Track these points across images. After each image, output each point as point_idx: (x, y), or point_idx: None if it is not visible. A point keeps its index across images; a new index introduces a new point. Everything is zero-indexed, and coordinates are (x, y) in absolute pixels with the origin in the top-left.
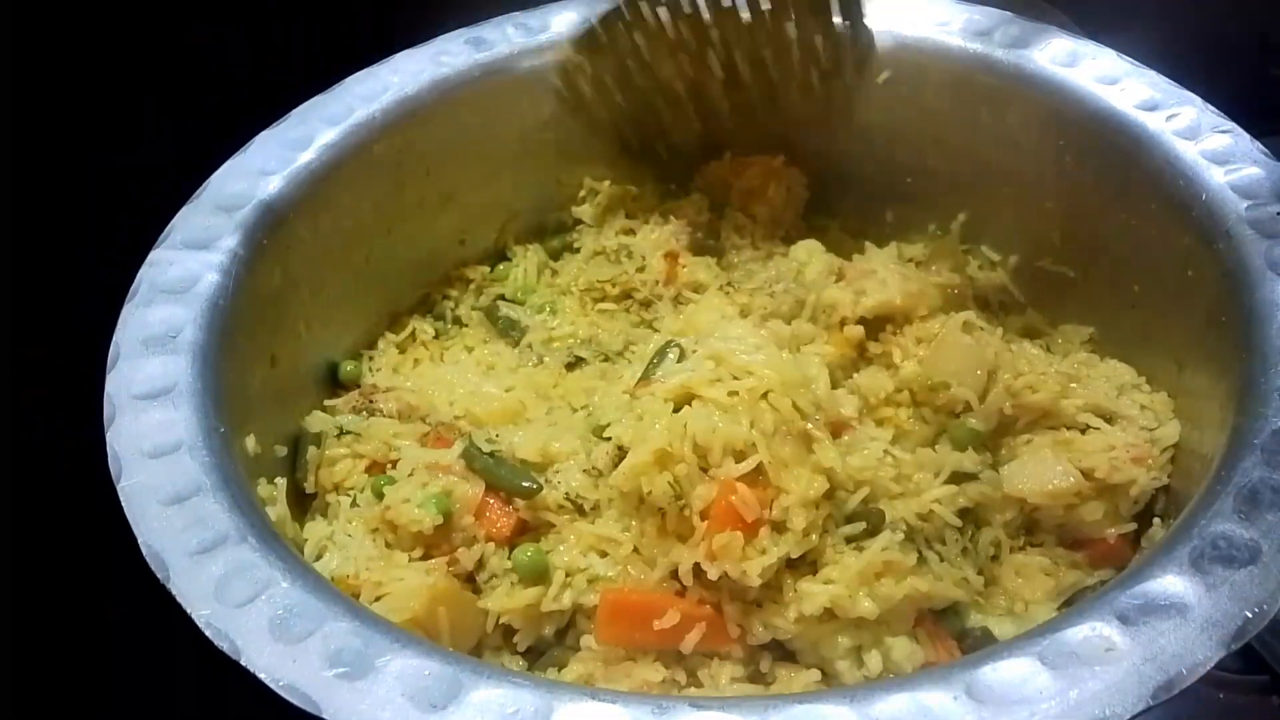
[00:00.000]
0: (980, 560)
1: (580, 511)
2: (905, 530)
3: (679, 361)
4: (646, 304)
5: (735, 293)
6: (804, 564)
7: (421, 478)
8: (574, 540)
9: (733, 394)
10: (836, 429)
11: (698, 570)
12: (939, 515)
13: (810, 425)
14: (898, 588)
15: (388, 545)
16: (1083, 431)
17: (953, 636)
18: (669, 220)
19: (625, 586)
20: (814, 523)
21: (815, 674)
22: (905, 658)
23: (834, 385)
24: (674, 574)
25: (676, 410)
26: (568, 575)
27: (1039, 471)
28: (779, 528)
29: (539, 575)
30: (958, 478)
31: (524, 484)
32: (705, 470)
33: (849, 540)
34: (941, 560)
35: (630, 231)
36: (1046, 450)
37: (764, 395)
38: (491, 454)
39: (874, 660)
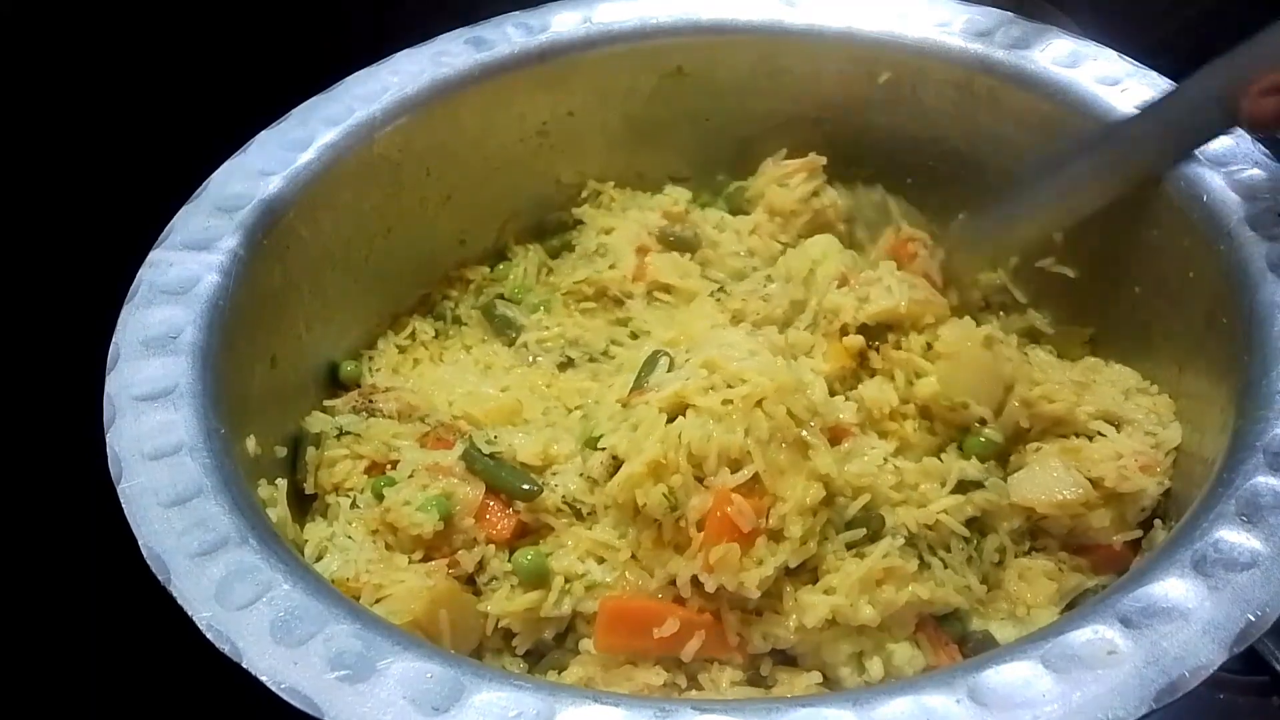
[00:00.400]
0: (984, 567)
1: (578, 516)
2: (907, 536)
3: (669, 370)
4: (619, 301)
5: (727, 298)
6: (804, 571)
7: (421, 480)
8: (571, 545)
9: (727, 402)
10: (836, 435)
11: (696, 580)
12: (945, 524)
13: (806, 432)
14: (899, 594)
15: (388, 547)
16: (1090, 438)
17: (954, 641)
18: (646, 215)
19: (624, 594)
20: (811, 530)
21: (816, 676)
22: (906, 662)
23: (831, 393)
24: (672, 583)
25: (671, 420)
26: (567, 581)
27: (1048, 482)
28: (776, 536)
29: (539, 579)
30: (964, 486)
31: (524, 486)
32: (701, 480)
33: (849, 547)
34: (945, 567)
35: (610, 230)
36: (1055, 460)
37: (759, 402)
38: (491, 456)
39: (875, 666)
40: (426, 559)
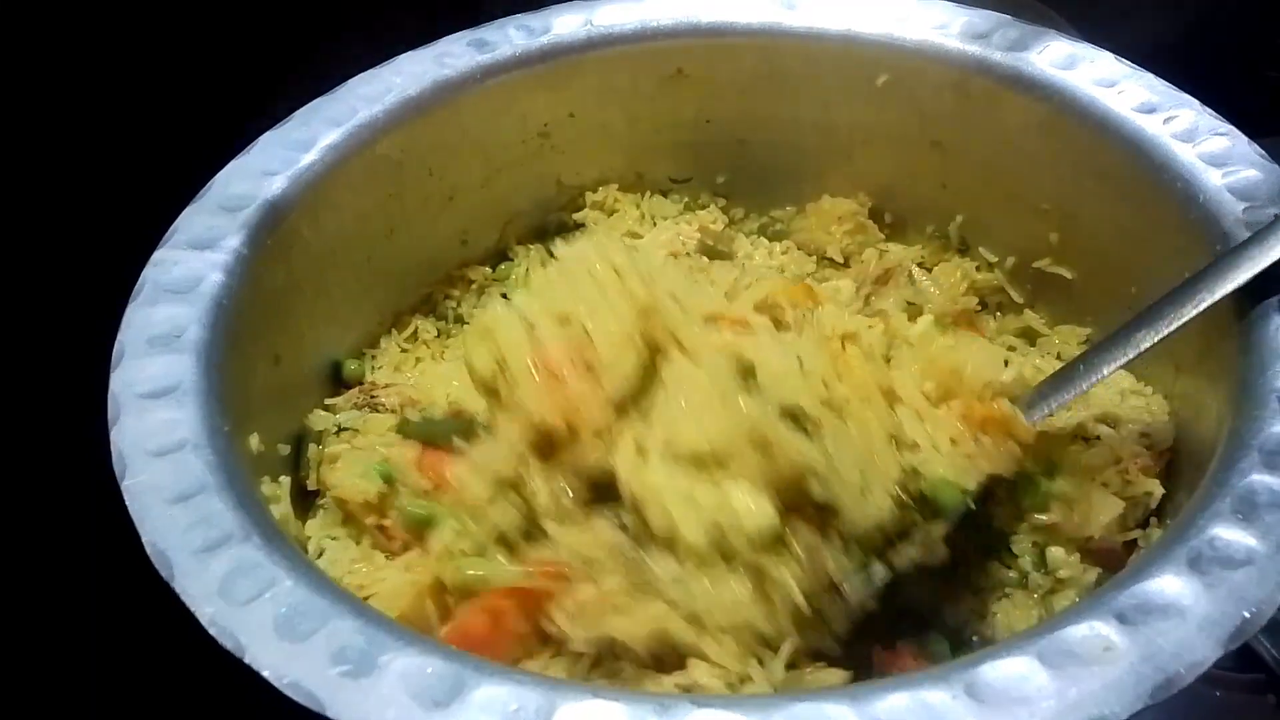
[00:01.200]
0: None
1: None
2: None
3: None
4: None
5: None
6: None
7: (364, 457)
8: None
9: None
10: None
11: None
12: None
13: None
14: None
15: (359, 532)
16: (1086, 441)
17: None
18: (680, 225)
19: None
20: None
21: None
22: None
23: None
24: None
25: None
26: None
27: (1094, 509)
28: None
29: (426, 526)
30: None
31: (457, 426)
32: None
33: None
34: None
35: (637, 234)
36: (1084, 482)
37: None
38: (422, 418)
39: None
40: (406, 548)
